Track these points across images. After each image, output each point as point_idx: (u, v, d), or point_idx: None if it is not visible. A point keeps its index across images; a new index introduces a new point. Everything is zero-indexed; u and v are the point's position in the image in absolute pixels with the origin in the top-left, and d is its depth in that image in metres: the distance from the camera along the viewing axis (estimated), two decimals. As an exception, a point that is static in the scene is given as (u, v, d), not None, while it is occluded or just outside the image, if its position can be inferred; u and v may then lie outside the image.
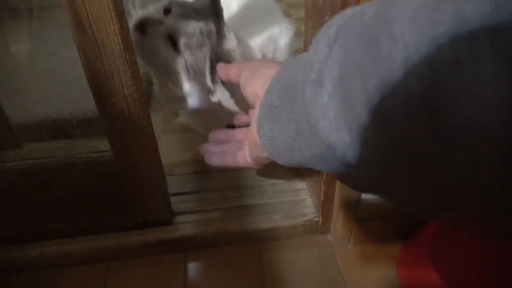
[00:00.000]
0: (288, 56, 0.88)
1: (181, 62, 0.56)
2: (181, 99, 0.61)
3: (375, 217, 0.66)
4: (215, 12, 0.57)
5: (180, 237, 0.67)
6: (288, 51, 0.86)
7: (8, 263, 0.65)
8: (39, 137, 0.86)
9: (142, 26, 0.56)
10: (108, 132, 0.56)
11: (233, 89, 0.53)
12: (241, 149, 0.46)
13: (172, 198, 0.70)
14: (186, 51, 0.55)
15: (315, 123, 0.25)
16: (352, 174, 0.25)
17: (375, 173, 0.23)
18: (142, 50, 0.57)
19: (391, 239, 0.68)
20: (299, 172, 0.77)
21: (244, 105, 0.48)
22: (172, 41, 0.56)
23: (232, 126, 0.54)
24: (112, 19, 0.45)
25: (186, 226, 0.68)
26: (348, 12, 0.25)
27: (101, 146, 0.59)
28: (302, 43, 0.64)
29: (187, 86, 0.59)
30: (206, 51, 0.55)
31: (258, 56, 0.69)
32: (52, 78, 1.03)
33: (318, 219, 0.68)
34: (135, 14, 0.58)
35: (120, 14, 0.45)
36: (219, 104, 0.57)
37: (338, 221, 0.66)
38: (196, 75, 0.56)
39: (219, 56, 0.56)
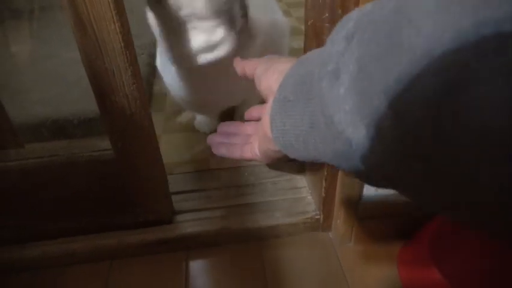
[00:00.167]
0: (286, 48, 0.89)
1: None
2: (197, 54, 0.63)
3: (376, 215, 0.66)
4: None
5: (181, 236, 0.67)
6: (286, 45, 0.86)
7: (9, 263, 0.66)
8: (41, 136, 0.87)
9: None
10: (109, 131, 0.56)
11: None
12: (250, 142, 0.46)
13: (173, 197, 0.70)
14: None
15: (331, 115, 0.25)
16: (366, 168, 0.25)
17: (389, 166, 0.22)
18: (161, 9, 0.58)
19: (392, 237, 0.68)
20: (302, 168, 0.77)
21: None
22: None
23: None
24: (113, 17, 0.45)
25: (187, 225, 0.68)
26: (367, 6, 0.24)
27: (102, 145, 0.59)
28: (302, 42, 0.64)
29: (220, 31, 0.61)
30: None
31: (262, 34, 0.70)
32: (53, 79, 1.04)
33: (319, 216, 0.69)
34: None
35: (121, 12, 0.46)
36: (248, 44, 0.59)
37: (339, 218, 0.66)
38: (226, 17, 0.58)
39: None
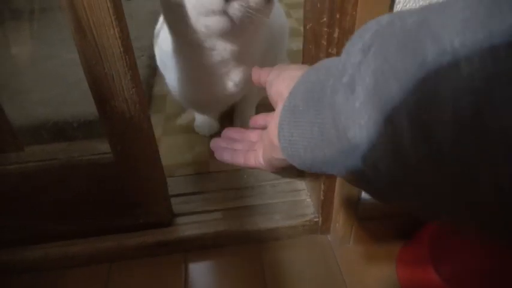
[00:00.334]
0: (285, 49, 0.89)
1: None
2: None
3: (375, 217, 0.67)
4: None
5: (180, 238, 0.67)
6: (285, 45, 0.86)
7: (9, 265, 0.66)
8: (41, 139, 0.87)
9: None
10: (108, 134, 0.56)
11: None
12: (254, 149, 0.45)
13: (172, 200, 0.70)
14: None
15: (344, 129, 0.25)
16: (380, 184, 0.25)
17: (406, 185, 0.22)
18: None
19: (391, 239, 0.69)
20: (301, 171, 0.78)
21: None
22: None
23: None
24: (112, 23, 0.45)
25: (186, 227, 0.68)
26: (384, 18, 0.24)
27: (102, 148, 0.59)
28: (301, 44, 0.64)
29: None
30: None
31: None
32: (53, 80, 1.04)
33: (317, 219, 0.69)
34: None
35: (120, 17, 0.46)
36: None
37: (338, 221, 0.67)
38: None
39: None
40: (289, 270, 0.66)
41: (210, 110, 0.89)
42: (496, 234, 0.22)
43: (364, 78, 0.23)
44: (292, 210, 0.71)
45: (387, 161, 0.22)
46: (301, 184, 0.76)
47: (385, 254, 0.68)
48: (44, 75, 1.07)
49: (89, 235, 0.67)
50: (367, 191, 0.28)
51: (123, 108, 0.53)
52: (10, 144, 0.62)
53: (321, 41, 0.52)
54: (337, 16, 0.47)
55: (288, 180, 0.77)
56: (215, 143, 0.49)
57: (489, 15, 0.17)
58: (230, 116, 0.92)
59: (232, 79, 0.71)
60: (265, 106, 0.53)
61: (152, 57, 1.15)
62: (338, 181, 0.62)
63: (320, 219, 0.68)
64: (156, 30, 0.82)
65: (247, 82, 0.71)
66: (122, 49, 0.47)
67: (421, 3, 0.47)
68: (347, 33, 0.48)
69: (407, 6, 0.47)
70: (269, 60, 0.77)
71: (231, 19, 0.55)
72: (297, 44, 0.85)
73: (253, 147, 0.46)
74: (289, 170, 0.76)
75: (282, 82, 0.37)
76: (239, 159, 0.46)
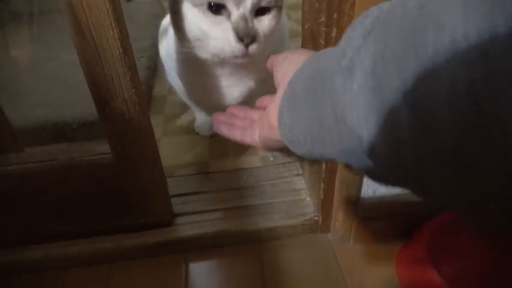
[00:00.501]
0: (285, 49, 0.88)
1: None
2: None
3: (375, 216, 0.67)
4: None
5: (181, 238, 0.67)
6: (286, 46, 0.86)
7: (10, 265, 0.66)
8: (41, 140, 0.87)
9: None
10: (108, 135, 0.56)
11: None
12: (252, 128, 0.45)
13: (173, 200, 0.70)
14: None
15: (342, 112, 0.25)
16: (376, 164, 0.25)
17: (402, 166, 0.22)
18: None
19: (391, 238, 0.69)
20: (301, 170, 0.78)
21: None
22: None
23: None
24: (111, 24, 0.45)
25: (186, 227, 0.68)
26: (386, 4, 0.24)
27: (102, 148, 0.59)
28: (300, 44, 0.65)
29: None
30: None
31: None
32: (53, 82, 1.04)
33: (317, 218, 0.69)
34: None
35: (119, 19, 0.46)
36: None
37: (338, 220, 0.67)
38: None
39: None
40: (289, 269, 0.66)
41: (216, 110, 0.88)
42: (498, 234, 0.22)
43: (364, 62, 0.23)
44: (292, 209, 0.71)
45: (384, 145, 0.22)
46: (301, 183, 0.76)
47: (385, 253, 0.68)
48: (44, 77, 1.07)
49: (89, 235, 0.67)
50: (367, 175, 0.28)
51: (122, 109, 0.53)
52: (10, 145, 0.62)
53: (319, 40, 0.52)
54: (335, 16, 0.47)
55: (287, 179, 0.77)
56: (217, 117, 0.50)
57: (490, 2, 0.17)
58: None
59: (239, 88, 0.70)
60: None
61: (152, 58, 1.16)
62: (338, 180, 0.62)
63: (320, 218, 0.69)
64: (162, 27, 0.80)
65: (253, 90, 0.71)
66: (121, 50, 0.48)
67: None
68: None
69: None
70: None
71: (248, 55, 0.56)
72: (296, 45, 0.85)
73: (253, 125, 0.46)
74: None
75: (288, 66, 0.38)
76: (236, 135, 0.46)
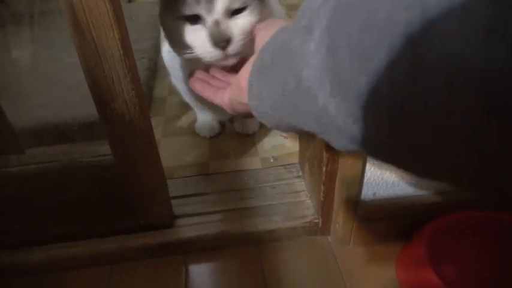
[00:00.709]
0: None
1: None
2: None
3: (375, 218, 0.67)
4: None
5: (181, 240, 0.67)
6: None
7: (11, 267, 0.66)
8: (42, 141, 0.87)
9: None
10: (109, 136, 0.56)
11: None
12: (225, 89, 0.46)
13: (173, 201, 0.70)
14: None
15: (299, 71, 0.24)
16: (335, 127, 0.24)
17: (357, 124, 0.21)
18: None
19: (391, 240, 0.69)
20: (301, 172, 0.78)
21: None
22: None
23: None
24: (111, 25, 0.45)
25: (187, 229, 0.68)
26: None
27: (102, 150, 0.59)
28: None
29: None
30: None
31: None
32: (54, 83, 1.04)
33: (317, 220, 0.69)
34: None
35: (119, 19, 0.46)
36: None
37: (338, 222, 0.67)
38: None
39: None
40: (289, 271, 0.66)
41: (219, 111, 0.88)
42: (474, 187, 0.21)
43: (321, 21, 0.22)
44: (292, 211, 0.71)
45: (337, 104, 0.22)
46: (301, 185, 0.76)
47: (385, 255, 0.68)
48: (45, 78, 1.07)
49: (90, 237, 0.67)
50: (329, 140, 0.27)
51: (123, 110, 0.53)
52: (11, 146, 0.62)
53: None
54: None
55: (287, 181, 0.77)
56: (195, 74, 0.51)
57: None
58: (230, 116, 0.92)
59: None
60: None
61: (152, 59, 1.16)
62: (338, 182, 0.62)
63: (320, 220, 0.69)
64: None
65: None
66: (121, 51, 0.48)
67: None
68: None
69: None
70: None
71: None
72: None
73: (226, 87, 0.47)
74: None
75: (267, 32, 0.37)
76: (208, 93, 0.48)
